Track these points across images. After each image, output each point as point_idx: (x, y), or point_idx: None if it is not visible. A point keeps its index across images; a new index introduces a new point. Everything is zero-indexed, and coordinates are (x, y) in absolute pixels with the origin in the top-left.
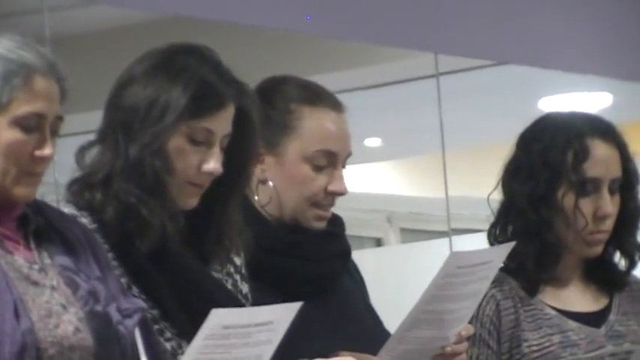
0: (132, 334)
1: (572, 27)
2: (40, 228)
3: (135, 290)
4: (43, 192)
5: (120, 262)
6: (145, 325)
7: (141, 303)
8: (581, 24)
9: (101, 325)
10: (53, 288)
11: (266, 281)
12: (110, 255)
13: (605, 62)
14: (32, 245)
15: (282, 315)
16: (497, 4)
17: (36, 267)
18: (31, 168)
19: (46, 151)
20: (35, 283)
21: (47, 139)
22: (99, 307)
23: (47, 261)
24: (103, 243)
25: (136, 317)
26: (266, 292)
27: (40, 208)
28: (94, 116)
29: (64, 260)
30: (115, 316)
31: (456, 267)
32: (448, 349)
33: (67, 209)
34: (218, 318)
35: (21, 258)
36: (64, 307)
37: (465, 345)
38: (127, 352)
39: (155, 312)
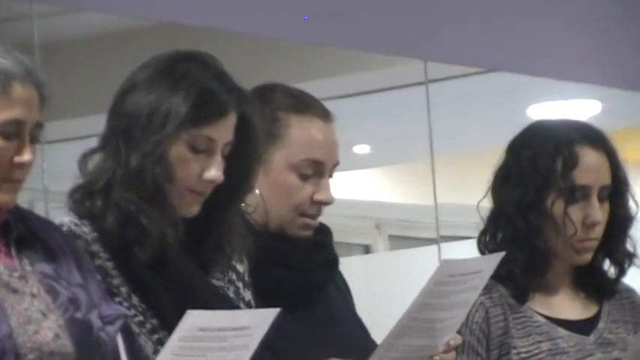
0: (113, 341)
1: (561, 35)
2: (21, 235)
3: (134, 299)
4: (32, 198)
5: (119, 270)
6: (127, 332)
7: (123, 310)
8: (569, 32)
9: (81, 332)
10: (33, 295)
11: (254, 290)
12: (110, 264)
13: (594, 70)
14: (13, 252)
15: (259, 320)
16: (487, 12)
17: (16, 274)
18: (10, 174)
19: (26, 157)
20: (15, 291)
21: (26, 146)
22: (79, 314)
23: (28, 268)
24: (102, 252)
25: (118, 324)
26: (257, 302)
27: (22, 215)
28: (83, 122)
29: (45, 267)
30: (96, 322)
31: (448, 275)
32: (436, 358)
33: (69, 218)
34: (193, 320)
35: (1, 265)
36: (43, 314)
37: (452, 354)
38: (107, 358)
39: (154, 321)
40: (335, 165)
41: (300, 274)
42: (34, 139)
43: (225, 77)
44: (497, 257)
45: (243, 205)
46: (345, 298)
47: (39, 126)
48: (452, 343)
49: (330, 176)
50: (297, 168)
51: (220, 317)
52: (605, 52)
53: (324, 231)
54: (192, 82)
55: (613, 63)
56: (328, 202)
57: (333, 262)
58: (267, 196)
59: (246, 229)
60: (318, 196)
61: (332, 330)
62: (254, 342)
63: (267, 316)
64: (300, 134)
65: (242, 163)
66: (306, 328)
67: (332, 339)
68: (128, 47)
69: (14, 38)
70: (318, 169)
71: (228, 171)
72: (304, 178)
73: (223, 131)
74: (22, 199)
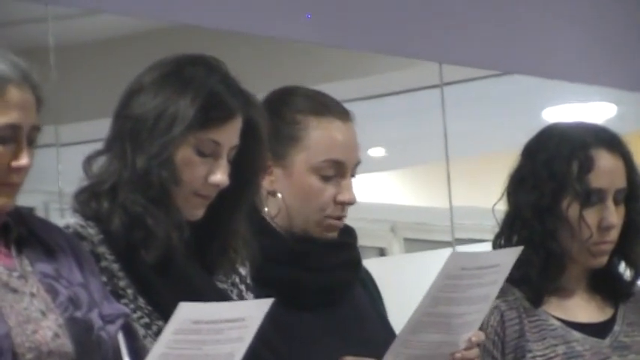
0: (114, 340)
1: (576, 37)
2: (21, 236)
3: (141, 301)
4: (47, 201)
5: (125, 272)
6: (129, 331)
7: (124, 309)
8: (585, 34)
9: (81, 331)
10: (32, 295)
11: (277, 292)
12: (116, 266)
13: (610, 73)
14: (13, 253)
15: (253, 311)
16: (502, 15)
17: (15, 274)
18: (8, 179)
19: (23, 161)
20: (14, 290)
21: (23, 150)
22: (79, 314)
23: (28, 268)
24: (109, 253)
25: (119, 323)
26: (276, 303)
27: (22, 216)
28: (97, 125)
29: (45, 267)
30: (97, 321)
31: (460, 268)
32: (457, 355)
33: (74, 219)
34: (187, 312)
35: (0, 266)
36: (43, 313)
37: (475, 351)
38: (108, 357)
39: (161, 323)
40: (356, 164)
41: (324, 274)
42: (32, 143)
43: (231, 81)
44: (515, 251)
45: (265, 210)
46: (374, 299)
47: (35, 129)
48: (474, 339)
49: (353, 176)
50: (318, 170)
51: (213, 309)
52: (620, 55)
53: (348, 232)
54: (199, 86)
55: (628, 66)
56: (351, 202)
57: (356, 263)
58: (289, 200)
59: (268, 233)
60: (341, 197)
61: (356, 330)
62: (249, 333)
63: (261, 306)
64: (320, 136)
65: (247, 168)
66: (329, 330)
67: (355, 339)
68: (144, 49)
69: (29, 41)
70: (339, 170)
71: (233, 175)
72: (326, 179)
73: (229, 135)
74: (37, 202)
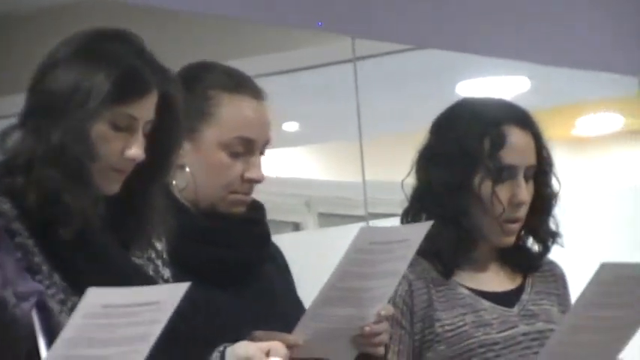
0: (28, 317)
1: (489, 10)
2: None
3: (56, 277)
4: None
5: (40, 248)
6: (43, 308)
7: (38, 286)
8: (498, 7)
9: None
10: None
11: (186, 268)
12: (31, 241)
13: (523, 46)
14: None
15: (168, 295)
16: None
17: None
18: None
19: None
20: None
21: None
22: None
23: None
24: (23, 229)
25: (33, 300)
26: (185, 280)
27: None
28: (12, 100)
29: None
30: (11, 299)
31: (369, 243)
32: (367, 328)
33: None
34: (95, 297)
35: None
36: None
37: (384, 325)
38: (21, 335)
39: (76, 299)
40: (266, 143)
41: (233, 251)
42: None
43: (147, 55)
44: (425, 226)
45: (173, 183)
46: (284, 275)
47: None
48: (383, 313)
49: (262, 154)
50: (227, 146)
51: (125, 294)
52: (534, 27)
53: (256, 207)
54: (114, 60)
55: (542, 39)
56: (259, 180)
57: (266, 239)
58: (197, 174)
59: (176, 207)
60: (248, 174)
61: (267, 307)
62: (164, 316)
63: (176, 290)
64: (231, 112)
65: (163, 143)
66: (241, 305)
67: (266, 315)
68: (56, 24)
69: None
70: (248, 147)
71: (149, 150)
72: (235, 156)
73: (145, 110)
74: None
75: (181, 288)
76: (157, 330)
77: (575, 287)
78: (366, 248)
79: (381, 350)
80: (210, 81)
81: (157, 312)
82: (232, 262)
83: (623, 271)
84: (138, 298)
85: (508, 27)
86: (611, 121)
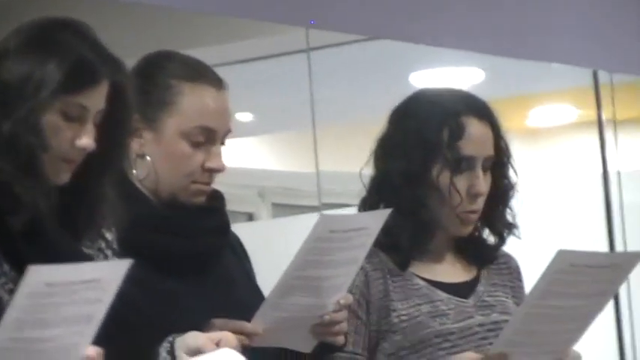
0: None
1: (442, 0)
2: None
3: (5, 267)
4: None
5: None
6: None
7: None
8: None
9: None
10: None
11: (146, 257)
12: None
13: (477, 37)
14: None
15: (109, 273)
16: None
17: None
18: None
19: None
20: None
21: None
22: None
23: None
24: None
25: None
26: (144, 268)
27: None
28: None
29: None
30: None
31: (329, 231)
32: (326, 317)
33: None
34: (38, 275)
35: None
36: None
37: (344, 313)
38: None
39: None
40: (227, 132)
41: (192, 240)
42: None
43: (98, 45)
44: (383, 214)
45: (134, 172)
46: (243, 264)
47: None
48: (342, 302)
49: (222, 144)
50: (188, 135)
51: (66, 270)
52: (487, 18)
53: (216, 197)
54: (66, 50)
55: (496, 30)
56: (219, 170)
57: (225, 227)
58: (158, 164)
59: (135, 196)
60: (209, 164)
61: (226, 295)
62: (108, 295)
63: (117, 267)
64: (192, 102)
65: (114, 132)
66: (199, 294)
67: (226, 303)
68: (6, 13)
69: None
70: (209, 137)
71: (99, 140)
72: (196, 145)
73: (96, 99)
74: None
75: (123, 265)
76: (100, 311)
77: (532, 278)
78: (325, 236)
79: (340, 339)
80: (170, 70)
81: (100, 290)
82: (191, 252)
83: (579, 260)
84: (79, 275)
85: (461, 18)
86: (565, 112)
